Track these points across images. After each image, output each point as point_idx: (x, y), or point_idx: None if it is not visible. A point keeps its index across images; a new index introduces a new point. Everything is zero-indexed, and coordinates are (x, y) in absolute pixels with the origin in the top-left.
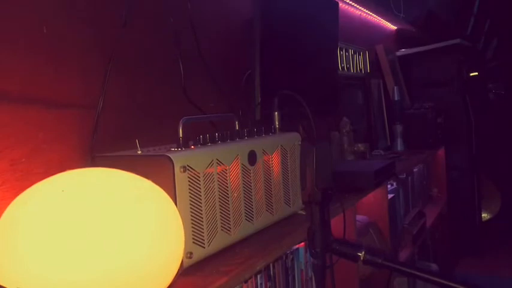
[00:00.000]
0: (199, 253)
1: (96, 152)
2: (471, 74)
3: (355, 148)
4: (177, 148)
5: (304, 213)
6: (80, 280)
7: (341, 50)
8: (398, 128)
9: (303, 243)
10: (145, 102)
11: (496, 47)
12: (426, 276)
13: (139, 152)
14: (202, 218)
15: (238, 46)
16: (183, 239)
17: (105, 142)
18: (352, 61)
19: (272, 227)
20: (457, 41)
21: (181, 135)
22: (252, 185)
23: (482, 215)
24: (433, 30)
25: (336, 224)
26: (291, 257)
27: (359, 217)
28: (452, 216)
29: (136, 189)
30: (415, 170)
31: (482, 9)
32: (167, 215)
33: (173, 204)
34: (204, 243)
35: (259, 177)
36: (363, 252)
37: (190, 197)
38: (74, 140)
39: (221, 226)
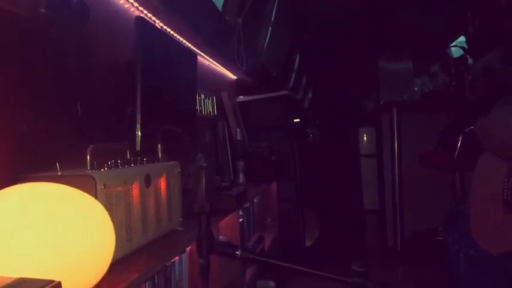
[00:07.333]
0: None
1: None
2: (295, 120)
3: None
4: (91, 170)
5: (182, 229)
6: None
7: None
8: (241, 164)
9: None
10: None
11: (311, 99)
12: (291, 266)
13: (59, 173)
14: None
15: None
16: (114, 241)
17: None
18: (203, 104)
19: (157, 240)
20: (285, 92)
21: (89, 160)
22: (147, 203)
23: (306, 241)
24: (266, 82)
25: None
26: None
27: (220, 237)
28: (284, 241)
29: (78, 198)
30: (254, 200)
31: (300, 67)
32: (101, 220)
33: (106, 213)
34: None
35: (152, 197)
36: (240, 251)
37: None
38: None
39: (126, 236)
